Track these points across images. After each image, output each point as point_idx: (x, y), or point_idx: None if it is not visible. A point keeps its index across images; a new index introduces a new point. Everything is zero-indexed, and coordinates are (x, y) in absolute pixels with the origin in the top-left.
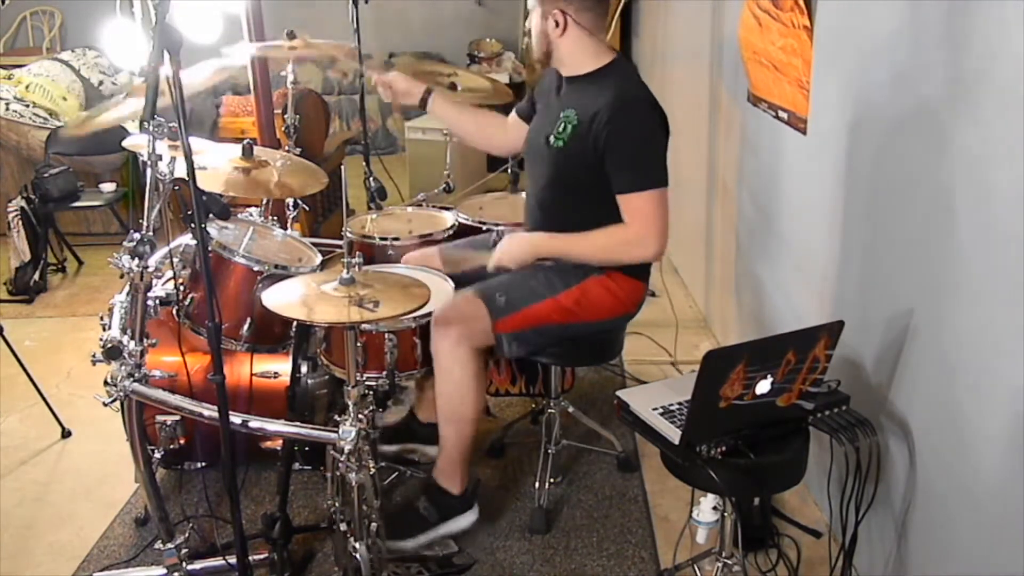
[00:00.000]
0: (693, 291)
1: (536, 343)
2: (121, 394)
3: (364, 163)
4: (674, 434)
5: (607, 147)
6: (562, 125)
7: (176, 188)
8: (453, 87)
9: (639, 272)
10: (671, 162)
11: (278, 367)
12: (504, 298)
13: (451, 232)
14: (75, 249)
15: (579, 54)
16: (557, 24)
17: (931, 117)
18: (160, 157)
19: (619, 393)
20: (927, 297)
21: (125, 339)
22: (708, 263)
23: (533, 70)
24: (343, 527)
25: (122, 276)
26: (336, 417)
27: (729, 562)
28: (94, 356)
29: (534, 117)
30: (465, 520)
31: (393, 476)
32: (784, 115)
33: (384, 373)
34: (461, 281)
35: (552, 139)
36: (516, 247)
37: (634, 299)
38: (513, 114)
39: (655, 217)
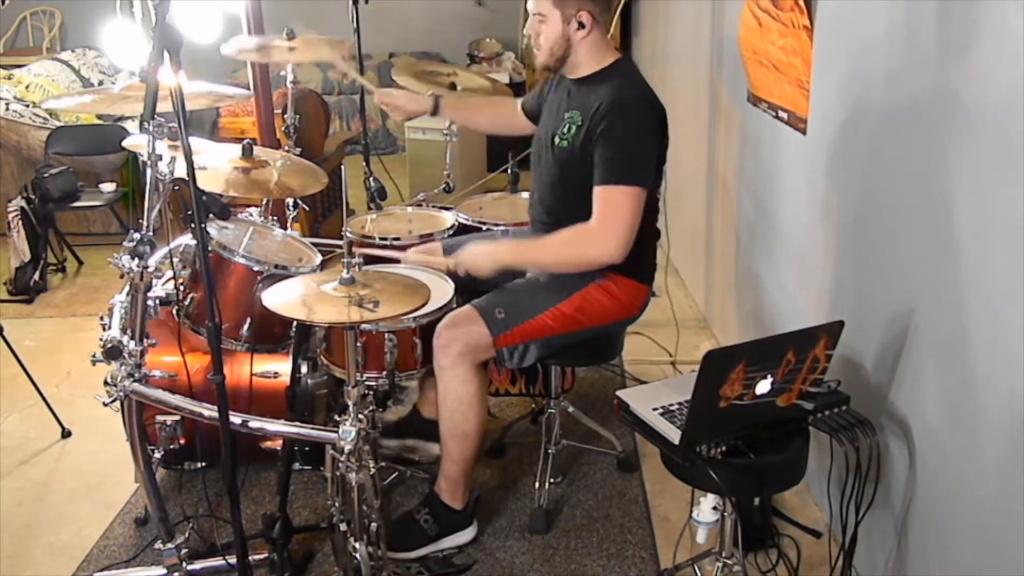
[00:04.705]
0: (693, 291)
1: (538, 354)
2: (121, 394)
3: (364, 163)
4: (674, 434)
5: (597, 140)
6: (567, 126)
7: (176, 188)
8: (453, 87)
9: (641, 274)
10: (671, 162)
11: (278, 367)
12: (504, 313)
13: (451, 232)
14: (75, 249)
15: (594, 54)
16: (582, 26)
17: (930, 117)
18: (160, 157)
19: (619, 393)
20: (927, 297)
21: (125, 339)
22: (708, 263)
23: (533, 70)
24: (343, 527)
25: (122, 276)
26: (336, 417)
27: (729, 562)
28: (94, 356)
29: (541, 116)
30: (465, 536)
31: (393, 476)
32: (784, 115)
33: (384, 373)
34: (466, 291)
35: (557, 139)
36: (477, 257)
37: (637, 302)
38: (519, 103)
39: (622, 213)
